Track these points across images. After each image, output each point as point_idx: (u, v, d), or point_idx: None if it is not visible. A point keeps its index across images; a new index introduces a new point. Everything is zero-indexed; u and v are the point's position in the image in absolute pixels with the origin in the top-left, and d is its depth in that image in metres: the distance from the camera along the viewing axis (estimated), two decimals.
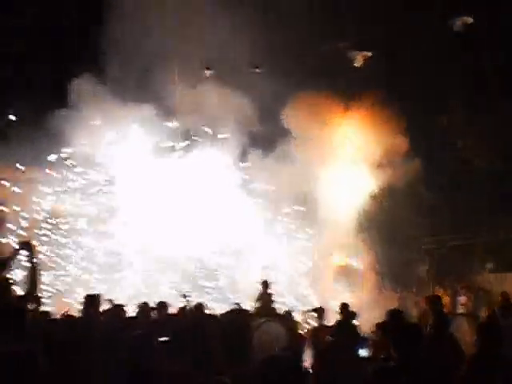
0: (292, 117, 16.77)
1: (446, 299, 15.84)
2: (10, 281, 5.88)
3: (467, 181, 18.74)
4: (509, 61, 17.47)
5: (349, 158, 17.49)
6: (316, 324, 10.18)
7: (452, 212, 18.42)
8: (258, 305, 12.06)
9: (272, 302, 12.20)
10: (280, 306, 12.72)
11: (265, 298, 12.36)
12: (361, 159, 17.44)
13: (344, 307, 9.96)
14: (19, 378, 4.19)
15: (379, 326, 8.71)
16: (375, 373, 4.51)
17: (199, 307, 9.22)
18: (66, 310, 10.99)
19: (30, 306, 6.45)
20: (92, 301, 7.96)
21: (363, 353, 6.80)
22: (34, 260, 5.47)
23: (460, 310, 15.78)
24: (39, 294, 8.08)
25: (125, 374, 4.70)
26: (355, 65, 18.19)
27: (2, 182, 16.39)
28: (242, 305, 11.49)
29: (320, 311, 10.30)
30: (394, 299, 16.61)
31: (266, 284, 12.70)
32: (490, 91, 18.01)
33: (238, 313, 9.13)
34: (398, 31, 17.06)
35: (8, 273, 5.65)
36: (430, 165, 17.59)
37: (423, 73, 17.45)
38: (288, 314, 10.87)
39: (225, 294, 16.31)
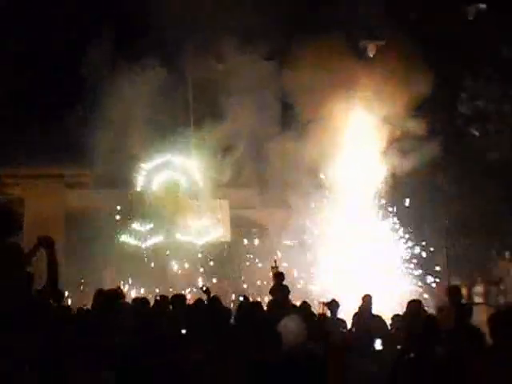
0: None
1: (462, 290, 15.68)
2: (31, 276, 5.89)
3: (483, 170, 18.64)
4: None
5: None
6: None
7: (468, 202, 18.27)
8: (272, 297, 11.92)
9: (288, 293, 12.05)
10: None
11: (279, 290, 12.23)
12: None
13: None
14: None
15: (395, 318, 8.63)
16: (397, 364, 4.42)
17: (215, 299, 9.18)
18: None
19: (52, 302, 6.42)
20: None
21: (378, 346, 6.67)
22: (53, 256, 5.41)
23: (476, 300, 15.64)
24: (60, 290, 8.08)
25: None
26: None
27: None
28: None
29: (333, 304, 10.09)
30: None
31: (280, 276, 12.57)
32: None
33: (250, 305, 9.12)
34: None
35: (29, 268, 5.65)
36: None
37: None
38: (305, 304, 10.62)
39: None
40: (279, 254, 16.58)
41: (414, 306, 8.44)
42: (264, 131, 18.41)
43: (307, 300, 10.32)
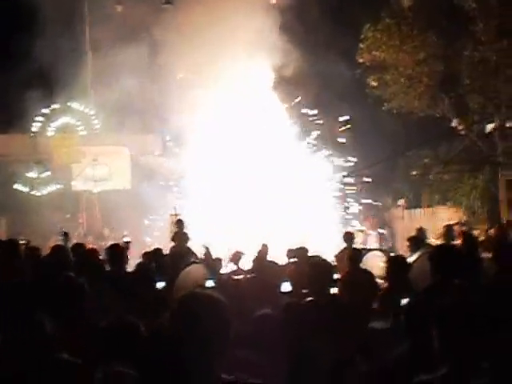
0: None
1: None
2: None
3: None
4: None
5: None
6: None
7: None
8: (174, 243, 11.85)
9: (187, 240, 12.01)
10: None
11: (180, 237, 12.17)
12: None
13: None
14: None
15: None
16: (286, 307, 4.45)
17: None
18: None
19: None
20: None
21: (286, 287, 6.65)
22: None
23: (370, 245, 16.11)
24: None
25: None
26: None
27: None
28: None
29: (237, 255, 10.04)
30: None
31: (180, 222, 12.51)
32: None
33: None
34: None
35: None
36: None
37: None
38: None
39: None
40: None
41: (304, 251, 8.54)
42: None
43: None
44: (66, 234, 10.29)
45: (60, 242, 10.08)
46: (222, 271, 9.16)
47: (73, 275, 5.16)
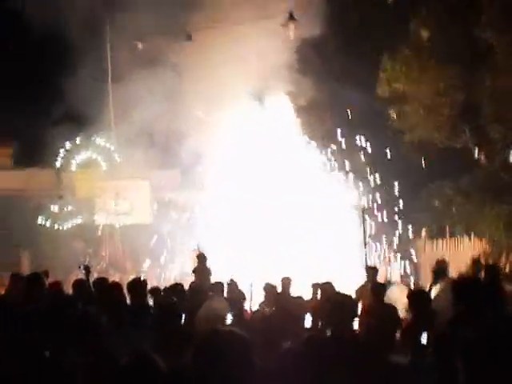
0: None
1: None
2: None
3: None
4: None
5: None
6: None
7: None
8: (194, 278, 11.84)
9: (209, 275, 12.00)
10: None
11: (200, 271, 12.16)
12: None
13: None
14: None
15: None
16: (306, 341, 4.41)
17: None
18: None
19: None
20: None
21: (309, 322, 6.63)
22: None
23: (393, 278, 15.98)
24: None
25: None
26: None
27: None
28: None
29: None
30: None
31: (201, 257, 12.51)
32: None
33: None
34: None
35: None
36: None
37: None
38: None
39: None
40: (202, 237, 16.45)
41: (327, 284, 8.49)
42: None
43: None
44: (87, 268, 10.34)
45: (81, 276, 10.13)
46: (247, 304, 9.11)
47: (89, 309, 5.18)
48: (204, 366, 2.59)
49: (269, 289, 8.91)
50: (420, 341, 4.98)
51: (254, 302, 9.29)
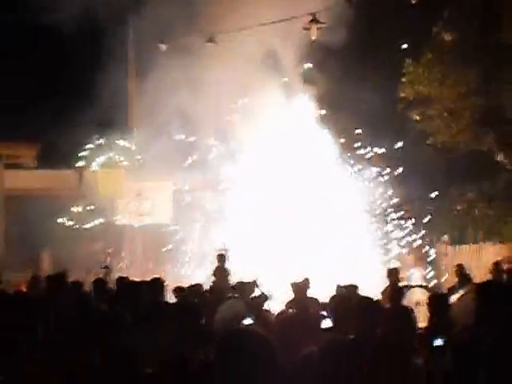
0: None
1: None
2: None
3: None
4: None
5: None
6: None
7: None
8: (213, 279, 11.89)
9: (227, 275, 12.05)
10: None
11: (221, 271, 12.22)
12: None
13: None
14: None
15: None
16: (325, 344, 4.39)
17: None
18: None
19: None
20: None
21: (326, 323, 6.58)
22: None
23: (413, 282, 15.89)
24: None
25: None
26: None
27: None
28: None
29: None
30: None
31: (221, 257, 12.57)
32: None
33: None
34: None
35: None
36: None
37: None
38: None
39: None
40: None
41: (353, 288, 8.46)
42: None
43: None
44: (107, 268, 10.47)
45: (102, 276, 10.22)
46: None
47: (106, 309, 5.21)
48: (226, 365, 2.60)
49: (296, 288, 8.85)
50: (437, 345, 4.96)
51: (275, 302, 9.27)
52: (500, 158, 18.42)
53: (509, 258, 16.31)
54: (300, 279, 9.03)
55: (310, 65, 18.03)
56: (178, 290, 8.91)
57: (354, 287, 8.33)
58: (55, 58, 20.72)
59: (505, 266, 11.20)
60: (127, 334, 4.80)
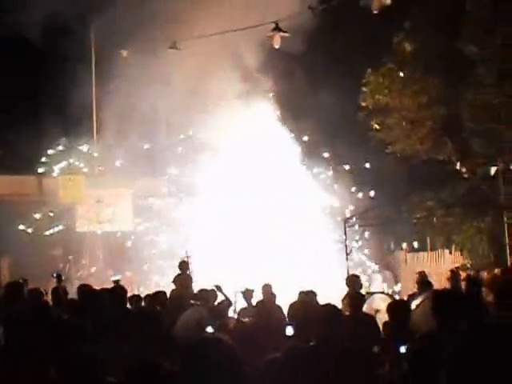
0: None
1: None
2: None
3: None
4: None
5: None
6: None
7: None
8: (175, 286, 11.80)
9: (190, 283, 11.97)
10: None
11: (183, 279, 12.14)
12: None
13: None
14: None
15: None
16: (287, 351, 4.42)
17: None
18: None
19: None
20: None
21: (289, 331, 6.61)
22: None
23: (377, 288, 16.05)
24: None
25: None
26: None
27: None
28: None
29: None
30: None
31: (184, 265, 12.49)
32: None
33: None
34: None
35: None
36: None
37: None
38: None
39: None
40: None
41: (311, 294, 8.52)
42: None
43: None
44: (59, 276, 10.33)
45: (55, 284, 10.11)
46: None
47: (66, 317, 5.16)
48: (191, 374, 2.59)
49: (247, 294, 8.88)
50: (398, 352, 5.01)
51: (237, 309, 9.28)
52: (459, 166, 18.74)
53: (463, 265, 16.60)
54: (250, 287, 9.01)
55: (272, 72, 18.13)
56: (134, 298, 8.86)
57: (313, 294, 8.39)
58: (17, 64, 20.41)
59: (462, 274, 11.40)
60: (88, 342, 4.75)
